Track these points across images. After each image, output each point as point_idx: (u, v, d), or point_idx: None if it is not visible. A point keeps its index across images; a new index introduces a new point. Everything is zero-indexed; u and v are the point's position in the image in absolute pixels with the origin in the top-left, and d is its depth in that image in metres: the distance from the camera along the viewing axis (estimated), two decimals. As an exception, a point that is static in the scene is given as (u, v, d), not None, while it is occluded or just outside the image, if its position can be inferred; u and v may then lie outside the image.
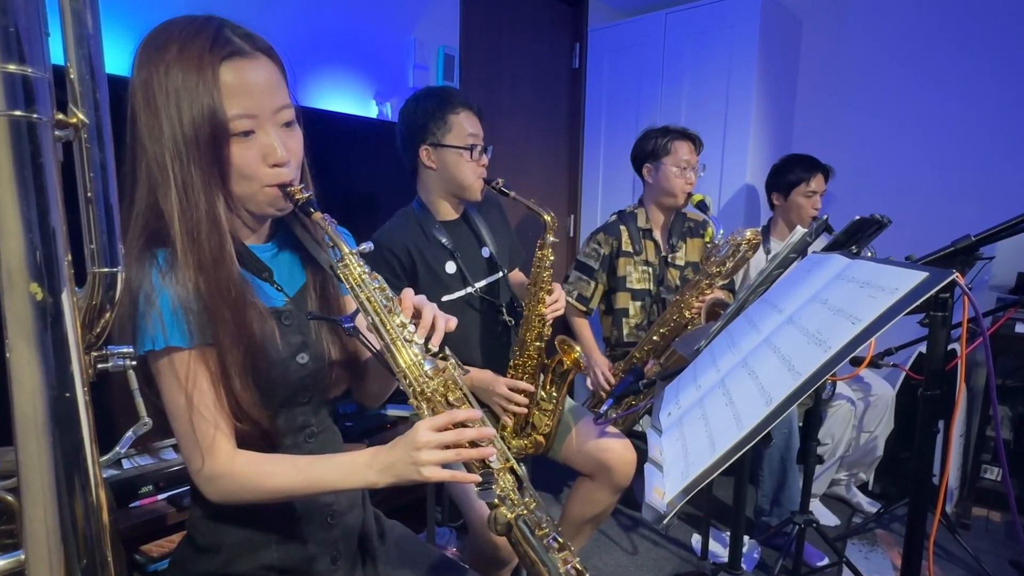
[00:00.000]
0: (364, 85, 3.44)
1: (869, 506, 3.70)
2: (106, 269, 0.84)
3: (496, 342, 2.60)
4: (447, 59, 3.82)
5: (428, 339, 1.36)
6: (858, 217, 1.87)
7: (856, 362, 2.59)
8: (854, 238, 1.93)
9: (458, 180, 2.45)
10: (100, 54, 0.78)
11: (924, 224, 4.16)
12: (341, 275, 1.35)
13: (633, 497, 3.70)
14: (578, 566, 1.32)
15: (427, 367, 1.32)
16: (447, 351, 1.38)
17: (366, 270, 1.35)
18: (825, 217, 2.38)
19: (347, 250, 1.33)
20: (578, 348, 2.39)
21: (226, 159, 1.27)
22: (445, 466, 1.27)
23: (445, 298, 2.46)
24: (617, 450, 2.46)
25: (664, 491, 1.15)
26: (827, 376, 1.09)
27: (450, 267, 2.49)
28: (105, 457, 1.06)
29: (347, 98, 3.35)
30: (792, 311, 1.41)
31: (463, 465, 1.32)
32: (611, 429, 2.58)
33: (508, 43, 4.38)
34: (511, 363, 2.49)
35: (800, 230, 1.91)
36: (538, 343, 2.44)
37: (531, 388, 2.40)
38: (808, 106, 4.72)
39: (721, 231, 3.08)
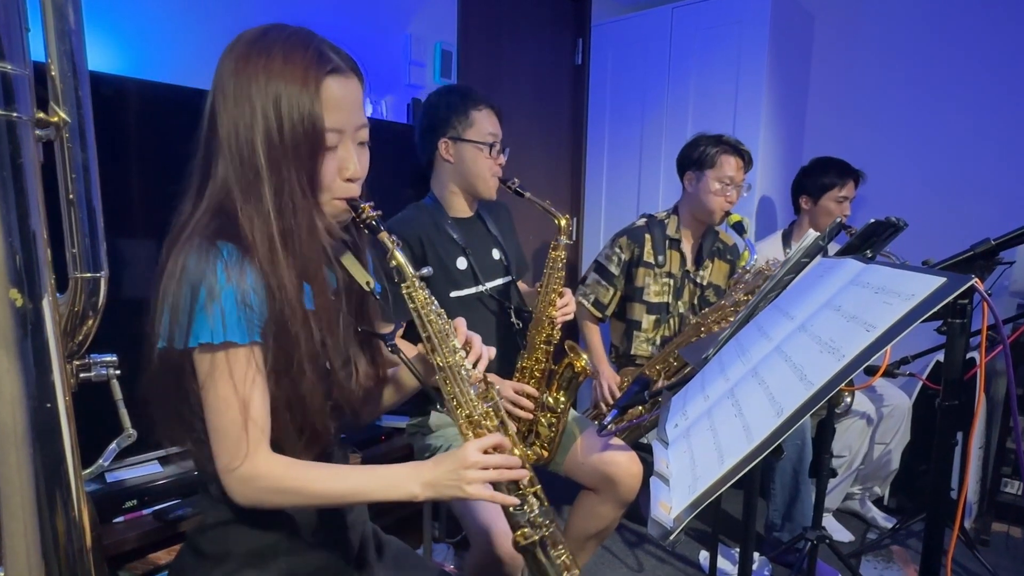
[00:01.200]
0: (359, 82, 3.42)
1: (884, 521, 3.70)
2: (89, 274, 0.84)
3: (504, 343, 2.63)
4: (444, 55, 3.83)
5: (475, 365, 1.52)
6: (873, 220, 1.87)
7: (871, 371, 2.59)
8: (869, 242, 1.93)
9: (474, 175, 2.54)
10: (83, 51, 0.78)
11: (942, 227, 4.14)
12: (406, 296, 1.47)
13: (638, 512, 3.70)
14: None
15: (473, 392, 1.49)
16: (488, 379, 1.54)
17: (427, 294, 1.48)
18: (839, 219, 2.38)
19: (411, 272, 1.46)
20: (584, 355, 2.40)
21: (319, 169, 1.35)
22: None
23: (454, 294, 2.51)
24: (622, 463, 2.46)
25: (671, 505, 1.15)
26: (840, 386, 1.09)
27: (461, 263, 2.54)
28: (88, 470, 1.05)
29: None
30: (804, 318, 1.40)
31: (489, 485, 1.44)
32: (616, 441, 2.58)
33: (508, 39, 4.38)
34: (518, 365, 2.52)
35: (812, 233, 1.90)
36: (546, 346, 2.47)
37: (536, 393, 2.42)
38: (821, 105, 4.71)
39: (755, 257, 3.08)
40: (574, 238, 5.05)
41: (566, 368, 2.42)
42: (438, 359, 1.48)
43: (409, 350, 1.74)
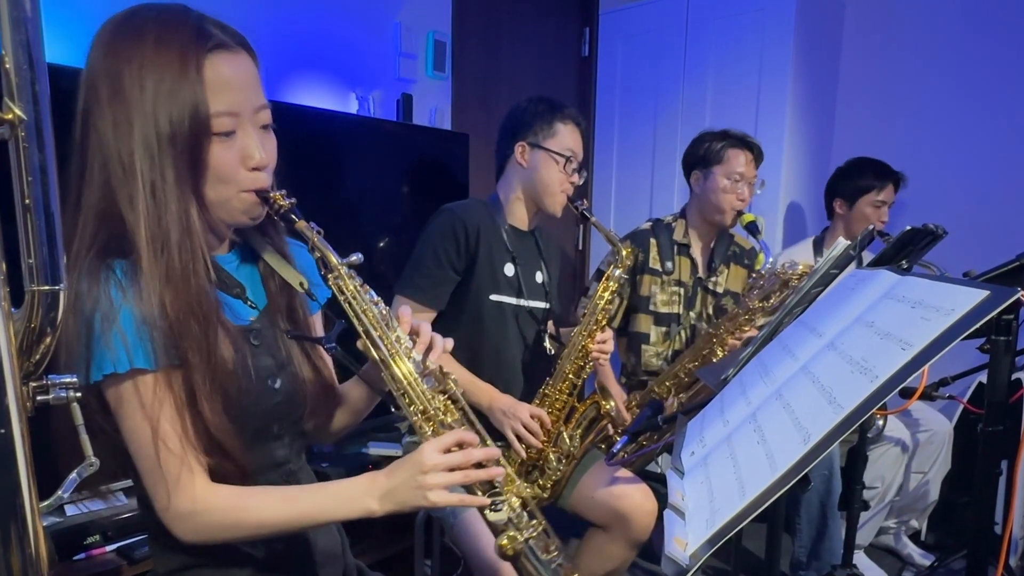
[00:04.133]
0: (342, 76, 3.45)
1: (922, 558, 3.68)
2: (47, 287, 0.83)
3: (532, 367, 2.68)
4: (438, 46, 3.84)
5: (425, 356, 1.45)
6: (909, 227, 1.87)
7: (907, 394, 2.58)
8: (904, 251, 1.93)
9: (544, 185, 2.61)
10: (40, 41, 0.78)
11: (985, 236, 4.10)
12: (334, 287, 1.41)
13: (651, 548, 3.68)
14: None
15: (426, 385, 1.41)
16: (443, 369, 1.47)
17: (359, 282, 1.41)
18: (871, 227, 2.37)
19: (336, 261, 1.39)
20: (613, 401, 2.42)
21: (205, 160, 1.30)
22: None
23: (494, 297, 2.57)
24: (635, 498, 2.45)
25: (686, 541, 1.15)
26: (873, 410, 1.09)
27: (508, 269, 2.61)
28: (46, 502, 1.05)
29: (322, 91, 3.36)
30: (833, 335, 1.40)
31: (462, 489, 1.40)
32: (628, 474, 2.57)
33: (507, 28, 4.39)
34: (541, 391, 2.55)
35: (842, 242, 1.90)
36: (574, 378, 2.53)
37: (549, 423, 2.43)
38: (852, 102, 4.68)
39: (771, 259, 3.07)
40: (580, 248, 5.06)
41: (590, 407, 2.44)
42: (377, 353, 1.41)
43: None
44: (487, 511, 1.41)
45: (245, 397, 1.39)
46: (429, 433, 1.40)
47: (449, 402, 1.45)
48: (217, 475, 1.36)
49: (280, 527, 1.36)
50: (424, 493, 1.31)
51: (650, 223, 3.39)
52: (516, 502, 1.46)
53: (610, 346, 2.57)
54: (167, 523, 1.32)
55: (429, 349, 1.47)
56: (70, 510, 2.25)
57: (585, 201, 2.65)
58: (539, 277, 2.75)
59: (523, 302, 2.64)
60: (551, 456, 2.46)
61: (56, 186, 0.82)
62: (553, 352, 2.68)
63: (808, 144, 4.44)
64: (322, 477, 1.76)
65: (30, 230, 0.82)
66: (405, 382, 1.40)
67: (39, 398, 0.88)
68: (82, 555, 2.18)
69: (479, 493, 1.40)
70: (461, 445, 1.36)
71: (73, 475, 1.13)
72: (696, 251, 3.34)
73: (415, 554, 2.75)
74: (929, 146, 4.40)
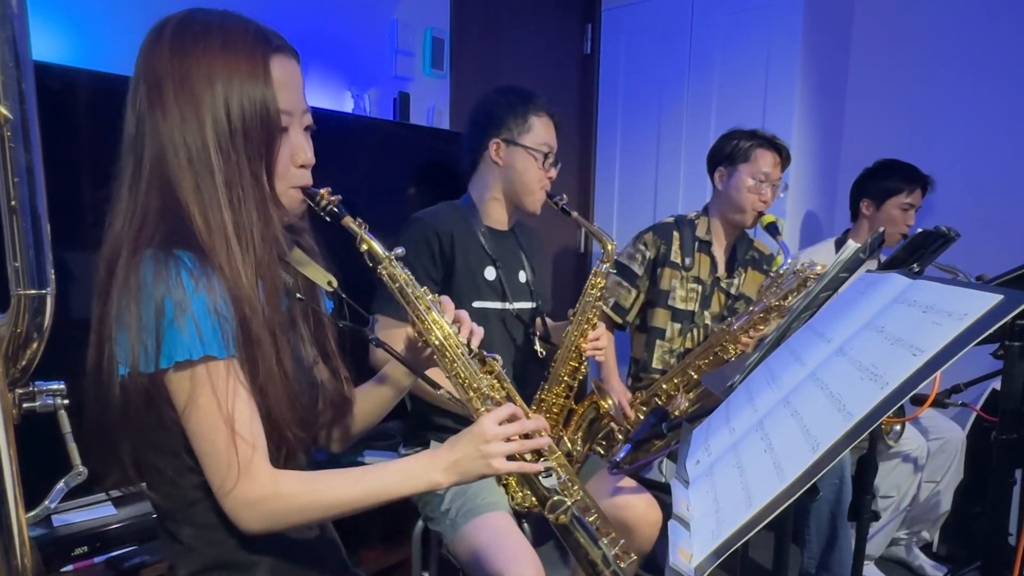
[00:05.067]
0: (337, 74, 3.45)
1: (934, 570, 3.69)
2: (33, 291, 0.83)
3: (524, 371, 2.68)
4: (436, 43, 3.84)
5: (470, 341, 1.62)
6: (920, 230, 1.87)
7: (918, 401, 2.58)
8: (916, 255, 1.93)
9: (522, 184, 2.60)
10: (26, 38, 0.77)
11: (999, 239, 4.10)
12: (386, 275, 1.55)
13: (654, 560, 3.68)
14: (622, 551, 1.62)
15: (475, 365, 1.60)
16: (484, 352, 1.66)
17: (407, 272, 1.56)
18: (881, 230, 2.37)
19: (384, 253, 1.55)
20: (611, 400, 2.41)
21: (276, 154, 1.41)
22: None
23: (477, 304, 2.56)
24: (639, 508, 2.45)
25: (691, 552, 1.15)
26: (884, 417, 1.09)
27: (489, 273, 2.59)
28: (32, 513, 1.05)
29: (316, 89, 3.35)
30: (842, 341, 1.40)
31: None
32: (631, 483, 2.56)
33: (508, 24, 4.39)
34: (536, 396, 2.55)
35: (852, 245, 1.89)
36: (570, 380, 2.52)
37: (547, 427, 2.42)
38: (863, 99, 4.67)
39: (789, 260, 3.06)
40: (581, 251, 5.06)
41: (589, 407, 2.43)
42: (433, 337, 1.57)
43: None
44: (540, 476, 1.55)
45: (293, 392, 1.46)
46: (481, 409, 1.55)
47: (496, 381, 1.61)
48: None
49: (348, 507, 1.42)
50: (488, 461, 1.44)
51: (673, 218, 3.40)
52: (561, 470, 1.61)
53: (603, 343, 2.55)
54: (232, 510, 1.36)
55: (471, 335, 1.63)
56: (57, 521, 2.24)
57: (565, 196, 2.64)
58: (523, 276, 2.74)
59: (508, 305, 2.63)
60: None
61: (43, 187, 0.82)
62: (544, 354, 2.68)
63: (817, 143, 4.43)
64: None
65: (16, 232, 0.81)
66: (459, 363, 1.57)
67: (25, 405, 0.88)
68: (70, 567, 2.17)
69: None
70: (512, 418, 1.51)
71: (60, 484, 1.13)
72: (717, 250, 3.35)
73: (412, 565, 2.75)
74: (943, 145, 4.38)
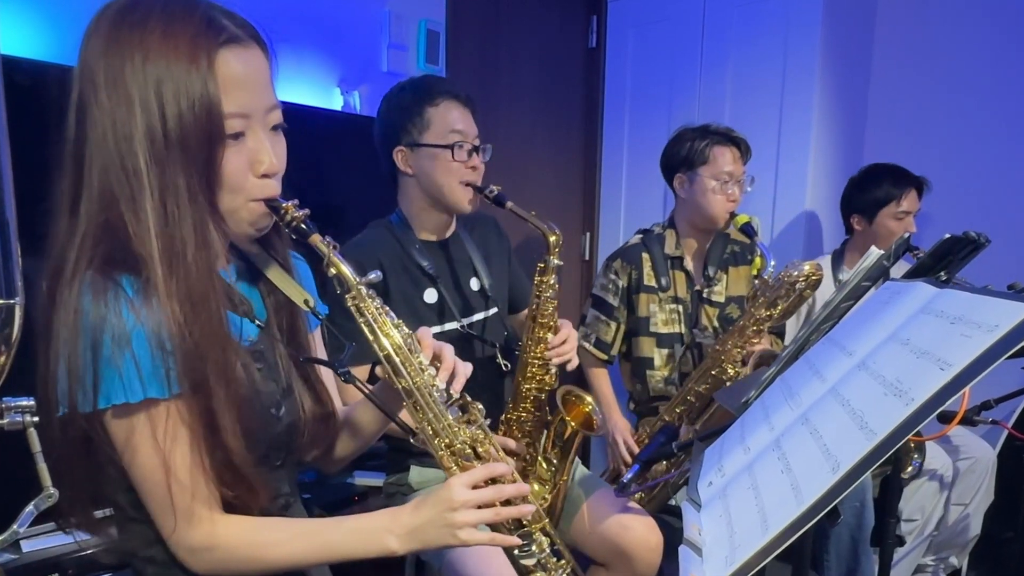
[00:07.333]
0: (326, 70, 3.45)
1: (963, 599, 3.69)
2: (1, 301, 0.83)
3: (487, 390, 2.58)
4: (430, 36, 3.83)
5: (449, 384, 1.47)
6: (948, 235, 1.87)
7: (946, 418, 2.58)
8: (943, 262, 1.93)
9: (437, 185, 2.47)
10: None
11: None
12: (352, 308, 1.41)
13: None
14: None
15: (451, 416, 1.43)
16: (467, 397, 1.50)
17: (379, 303, 1.43)
18: (906, 235, 2.37)
19: (355, 280, 1.39)
20: (589, 400, 2.38)
21: (218, 165, 1.29)
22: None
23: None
24: (639, 531, 2.43)
25: (704, 581, 1.15)
26: (909, 436, 1.09)
27: (430, 296, 2.51)
28: (1, 537, 1.05)
29: (304, 86, 3.36)
30: (865, 354, 1.41)
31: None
32: (631, 505, 2.54)
33: (508, 16, 4.39)
34: (503, 417, 2.49)
35: (875, 252, 1.89)
36: (537, 393, 2.44)
37: (520, 449, 2.39)
38: (886, 96, 4.64)
39: (772, 263, 3.00)
40: (587, 258, 5.05)
41: (558, 423, 2.38)
42: (402, 381, 1.42)
43: None
44: (517, 552, 1.44)
45: (255, 422, 1.40)
46: (455, 469, 1.41)
47: (479, 433, 1.47)
48: (231, 506, 1.38)
49: (295, 564, 1.38)
50: (454, 531, 1.34)
51: (639, 236, 3.39)
52: (544, 541, 1.49)
53: (570, 346, 2.46)
54: (177, 553, 1.35)
55: (452, 376, 1.49)
56: (26, 546, 2.24)
57: (494, 188, 2.45)
58: (475, 284, 2.65)
59: (458, 324, 2.55)
60: (534, 485, 2.44)
61: (12, 193, 0.82)
62: (508, 367, 2.60)
63: (838, 141, 4.41)
64: (305, 507, 1.77)
65: (-17, 239, 0.82)
66: (431, 414, 1.42)
67: (-7, 422, 0.88)
68: (40, 596, 2.18)
69: (505, 531, 1.43)
70: (491, 480, 1.39)
71: (30, 507, 1.13)
72: (689, 263, 3.34)
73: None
74: (971, 149, 4.35)
